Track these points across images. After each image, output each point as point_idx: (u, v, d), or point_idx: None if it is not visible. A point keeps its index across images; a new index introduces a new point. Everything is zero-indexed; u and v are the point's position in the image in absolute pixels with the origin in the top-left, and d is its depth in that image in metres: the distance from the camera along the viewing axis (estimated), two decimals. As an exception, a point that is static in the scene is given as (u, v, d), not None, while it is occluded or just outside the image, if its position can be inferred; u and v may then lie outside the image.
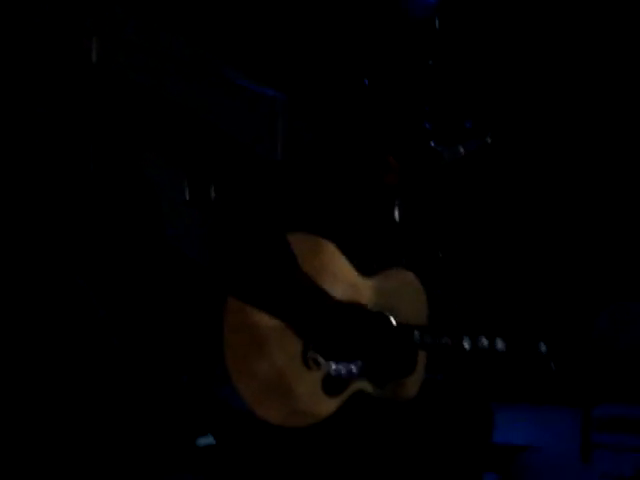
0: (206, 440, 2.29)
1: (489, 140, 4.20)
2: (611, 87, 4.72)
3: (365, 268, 2.24)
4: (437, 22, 4.31)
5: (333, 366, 2.06)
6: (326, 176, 2.34)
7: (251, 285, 2.00)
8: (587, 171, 4.75)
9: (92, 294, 2.07)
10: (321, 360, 2.03)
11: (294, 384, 2.04)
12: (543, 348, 2.08)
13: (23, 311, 1.96)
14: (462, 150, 4.15)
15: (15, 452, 1.81)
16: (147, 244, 2.65)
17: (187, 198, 2.69)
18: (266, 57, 3.40)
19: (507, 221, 4.99)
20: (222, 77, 3.22)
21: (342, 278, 2.17)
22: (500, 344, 2.10)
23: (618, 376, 3.41)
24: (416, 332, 2.17)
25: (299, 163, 2.39)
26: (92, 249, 2.40)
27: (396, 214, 3.64)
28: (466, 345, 2.11)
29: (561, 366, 2.06)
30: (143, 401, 2.18)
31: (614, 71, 4.70)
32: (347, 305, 2.11)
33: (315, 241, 2.16)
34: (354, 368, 2.08)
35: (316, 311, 2.05)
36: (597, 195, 4.74)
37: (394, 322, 2.19)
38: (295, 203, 2.26)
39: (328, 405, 2.09)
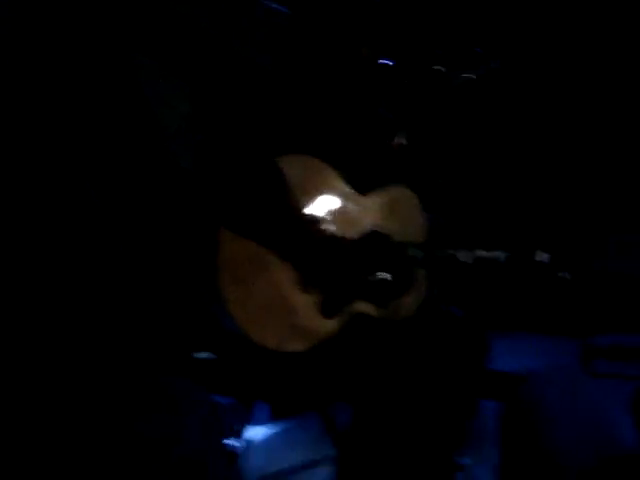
0: (204, 354, 2.30)
1: (498, 65, 4.16)
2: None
3: (361, 185, 2.21)
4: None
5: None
6: (317, 89, 2.29)
7: (239, 211, 1.98)
8: (597, 97, 4.69)
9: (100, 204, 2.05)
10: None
11: (290, 307, 2.04)
12: (545, 257, 2.06)
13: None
14: (471, 75, 4.11)
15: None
16: (143, 153, 2.63)
17: (188, 116, 2.67)
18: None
19: (515, 146, 4.95)
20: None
21: (337, 197, 2.14)
22: (500, 255, 2.09)
23: (618, 305, 3.41)
24: (413, 248, 2.15)
25: (290, 72, 2.33)
26: (87, 153, 2.38)
27: (403, 138, 3.62)
28: (464, 258, 2.10)
29: (564, 273, 2.04)
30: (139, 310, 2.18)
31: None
32: (334, 237, 2.08)
33: (309, 161, 2.13)
34: None
35: (302, 241, 2.03)
36: (612, 116, 4.68)
37: (391, 239, 2.17)
38: (287, 120, 2.22)
39: (327, 326, 2.09)
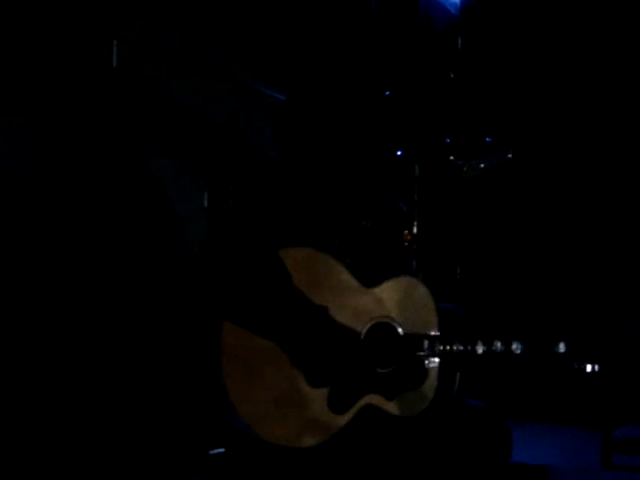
0: (218, 450, 2.27)
1: (510, 155, 4.19)
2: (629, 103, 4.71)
3: (367, 279, 2.19)
4: (459, 36, 4.30)
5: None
6: (323, 183, 2.30)
7: (241, 304, 1.97)
8: (609, 183, 4.71)
9: (112, 296, 2.05)
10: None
11: (298, 404, 2.01)
12: (562, 348, 2.03)
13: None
14: (482, 165, 4.14)
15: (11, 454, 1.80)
16: (159, 251, 2.64)
17: (206, 205, 2.68)
18: (280, 62, 3.40)
19: (528, 233, 4.96)
20: (231, 76, 3.20)
21: (343, 291, 2.12)
22: (516, 346, 2.06)
23: (638, 396, 3.36)
24: (425, 341, 2.12)
25: (296, 168, 2.34)
26: (103, 247, 2.39)
27: (414, 228, 3.63)
28: (480, 350, 2.07)
29: (584, 364, 2.01)
30: (154, 408, 2.16)
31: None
32: (341, 327, 2.07)
33: (314, 255, 2.13)
34: None
35: (306, 334, 2.01)
36: (625, 205, 4.70)
37: (401, 332, 2.14)
38: (291, 214, 2.22)
39: (335, 423, 2.05)
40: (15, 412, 1.85)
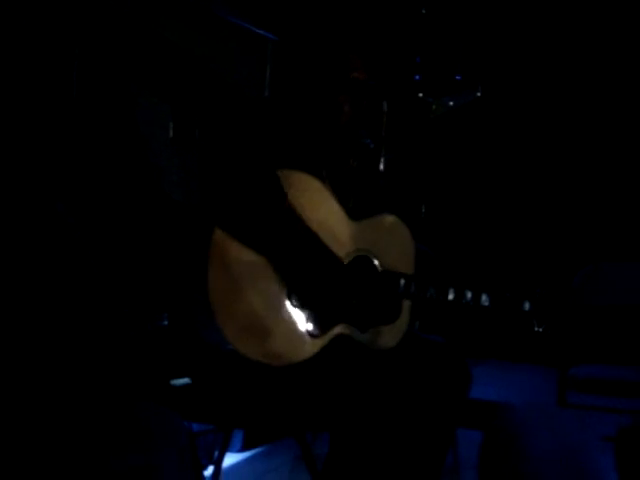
0: (181, 381, 2.27)
1: (479, 94, 4.18)
2: (598, 40, 4.69)
3: (354, 212, 2.20)
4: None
5: None
6: (312, 115, 2.29)
7: (238, 218, 1.97)
8: (574, 125, 4.72)
9: (71, 219, 2.02)
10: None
11: (275, 323, 2.02)
12: (527, 306, 2.07)
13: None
14: (451, 103, 4.13)
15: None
16: (131, 174, 2.61)
17: (171, 136, 2.65)
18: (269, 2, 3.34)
19: (493, 177, 4.97)
20: (214, 14, 3.15)
21: (331, 219, 2.13)
22: (485, 299, 2.09)
23: (593, 336, 3.42)
24: (402, 280, 2.14)
25: (286, 101, 2.32)
26: (74, 175, 2.36)
27: (381, 165, 3.63)
28: (451, 297, 2.09)
29: (543, 325, 2.06)
30: (119, 336, 2.15)
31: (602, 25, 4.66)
32: (330, 253, 2.09)
33: (306, 179, 2.13)
34: None
35: (299, 252, 2.03)
36: (582, 152, 4.72)
37: (379, 268, 2.16)
38: (285, 141, 2.22)
39: (308, 347, 2.07)
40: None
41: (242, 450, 3.17)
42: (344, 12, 2.34)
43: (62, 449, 1.48)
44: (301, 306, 1.99)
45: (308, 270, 2.01)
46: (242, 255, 1.96)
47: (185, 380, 2.23)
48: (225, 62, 3.01)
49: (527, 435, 2.15)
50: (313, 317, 2.00)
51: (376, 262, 2.12)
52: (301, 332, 1.99)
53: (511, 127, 4.92)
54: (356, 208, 2.21)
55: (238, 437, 3.15)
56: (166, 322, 2.46)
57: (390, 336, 2.11)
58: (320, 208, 2.08)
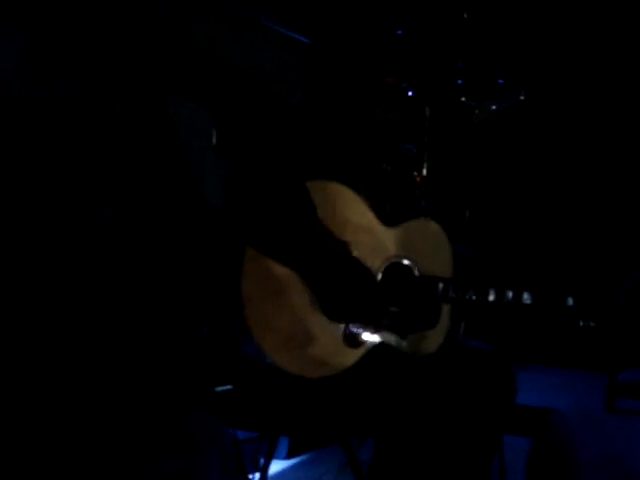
0: (226, 388, 2.28)
1: (522, 97, 4.15)
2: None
3: (388, 218, 2.19)
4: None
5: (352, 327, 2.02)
6: (345, 121, 2.27)
7: (265, 233, 1.96)
8: (620, 126, 4.67)
9: (114, 225, 2.04)
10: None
11: (314, 335, 2.01)
12: (570, 302, 2.03)
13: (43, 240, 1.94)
14: (494, 107, 4.10)
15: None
16: (171, 186, 2.63)
17: (214, 143, 2.66)
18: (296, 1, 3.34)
19: (538, 178, 4.93)
20: (250, 18, 3.16)
21: (365, 228, 2.12)
22: (526, 297, 2.06)
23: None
24: (440, 284, 2.12)
25: (320, 108, 2.31)
26: (117, 182, 2.38)
27: (425, 170, 3.61)
28: (491, 298, 2.07)
29: (588, 322, 2.02)
30: (160, 348, 2.16)
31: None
32: (360, 265, 2.07)
33: (338, 189, 2.12)
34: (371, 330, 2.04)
35: (327, 266, 2.01)
36: (632, 152, 4.66)
37: (417, 273, 2.14)
38: (317, 150, 2.21)
39: (348, 356, 2.06)
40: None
41: (287, 457, 3.17)
42: (383, 20, 2.34)
43: (101, 455, 1.49)
44: (337, 319, 1.98)
45: (338, 284, 2.00)
46: (276, 268, 1.96)
47: (229, 387, 2.24)
48: (260, 66, 3.02)
49: (576, 442, 2.12)
50: (349, 328, 1.99)
51: (413, 267, 2.10)
52: (339, 344, 1.98)
53: (555, 130, 4.87)
54: (392, 212, 2.20)
55: (283, 444, 3.15)
56: (206, 330, 2.47)
57: (431, 341, 2.10)
58: (352, 218, 2.06)
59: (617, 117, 4.70)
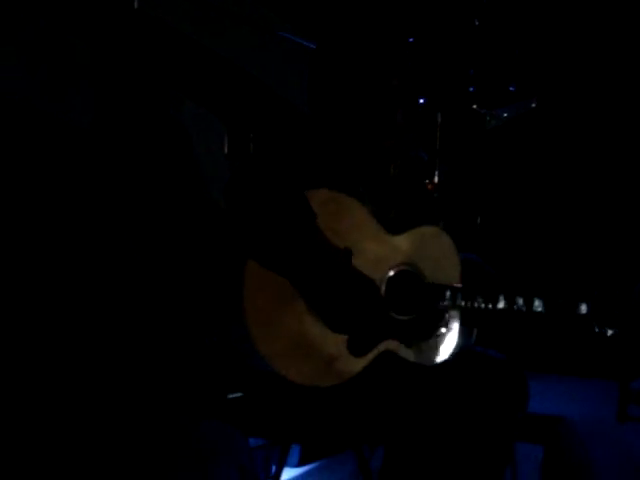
0: (237, 395, 2.28)
1: (534, 105, 4.14)
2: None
3: (392, 225, 2.18)
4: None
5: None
6: (350, 125, 2.26)
7: (261, 241, 1.96)
8: (634, 132, 4.65)
9: (127, 235, 2.05)
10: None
11: (318, 345, 2.01)
12: (584, 308, 2.02)
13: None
14: (506, 114, 4.10)
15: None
16: (182, 194, 2.63)
17: (226, 152, 2.67)
18: (304, 7, 3.34)
19: (549, 185, 4.92)
20: (259, 25, 3.16)
21: (367, 236, 2.11)
22: (538, 304, 2.04)
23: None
24: (447, 291, 2.11)
25: (324, 112, 2.30)
26: (128, 192, 2.39)
27: (436, 177, 3.61)
28: (501, 305, 2.05)
29: (605, 328, 2.00)
30: (172, 357, 2.17)
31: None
32: (361, 275, 2.06)
33: (339, 198, 2.11)
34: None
35: (325, 277, 2.00)
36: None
37: (423, 280, 2.13)
38: (320, 159, 2.20)
39: (355, 364, 2.06)
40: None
41: (299, 465, 3.16)
42: (389, 25, 2.34)
43: (116, 466, 1.50)
44: (340, 330, 1.98)
45: (335, 295, 1.99)
46: (277, 281, 1.96)
47: (240, 394, 2.24)
48: (267, 72, 3.03)
49: (587, 450, 2.11)
50: (354, 337, 1.99)
51: (420, 275, 2.09)
52: (343, 354, 1.98)
53: (567, 137, 4.86)
54: (398, 219, 2.19)
55: (295, 452, 3.15)
56: (216, 339, 2.48)
57: (439, 349, 2.09)
58: (355, 227, 2.05)
59: (631, 124, 4.68)
